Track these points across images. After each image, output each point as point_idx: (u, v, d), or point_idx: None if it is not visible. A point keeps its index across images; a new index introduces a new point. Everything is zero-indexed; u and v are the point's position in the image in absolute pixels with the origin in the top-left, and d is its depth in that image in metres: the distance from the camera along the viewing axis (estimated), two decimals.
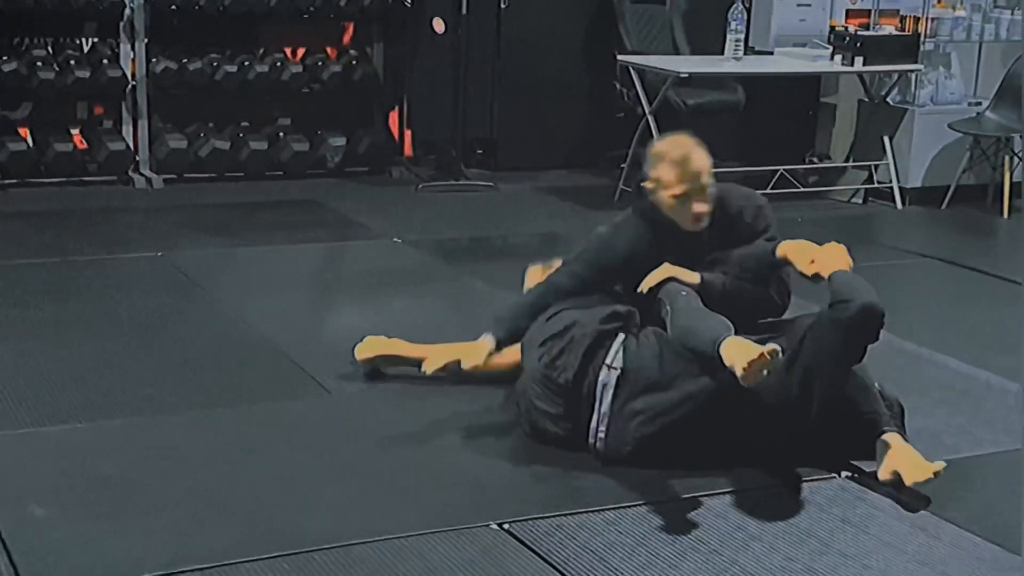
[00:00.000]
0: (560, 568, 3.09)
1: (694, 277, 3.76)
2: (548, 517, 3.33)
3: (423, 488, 3.49)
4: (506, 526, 3.27)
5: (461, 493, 3.48)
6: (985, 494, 3.61)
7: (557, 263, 4.03)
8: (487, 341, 3.83)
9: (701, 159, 3.79)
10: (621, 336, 3.70)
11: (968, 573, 3.18)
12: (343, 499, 3.40)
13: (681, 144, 3.83)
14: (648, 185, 3.84)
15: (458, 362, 3.85)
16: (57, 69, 6.97)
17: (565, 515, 3.35)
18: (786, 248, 3.68)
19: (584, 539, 3.23)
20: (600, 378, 3.65)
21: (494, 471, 3.64)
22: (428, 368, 3.91)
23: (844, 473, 3.67)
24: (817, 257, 3.60)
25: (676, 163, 3.76)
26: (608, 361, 3.65)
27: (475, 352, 3.83)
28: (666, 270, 3.77)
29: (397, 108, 7.92)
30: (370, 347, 4.26)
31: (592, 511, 3.38)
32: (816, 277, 3.58)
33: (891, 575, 3.15)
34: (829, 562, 3.18)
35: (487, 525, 3.27)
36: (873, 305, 3.45)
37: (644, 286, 3.76)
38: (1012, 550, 3.22)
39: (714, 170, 3.77)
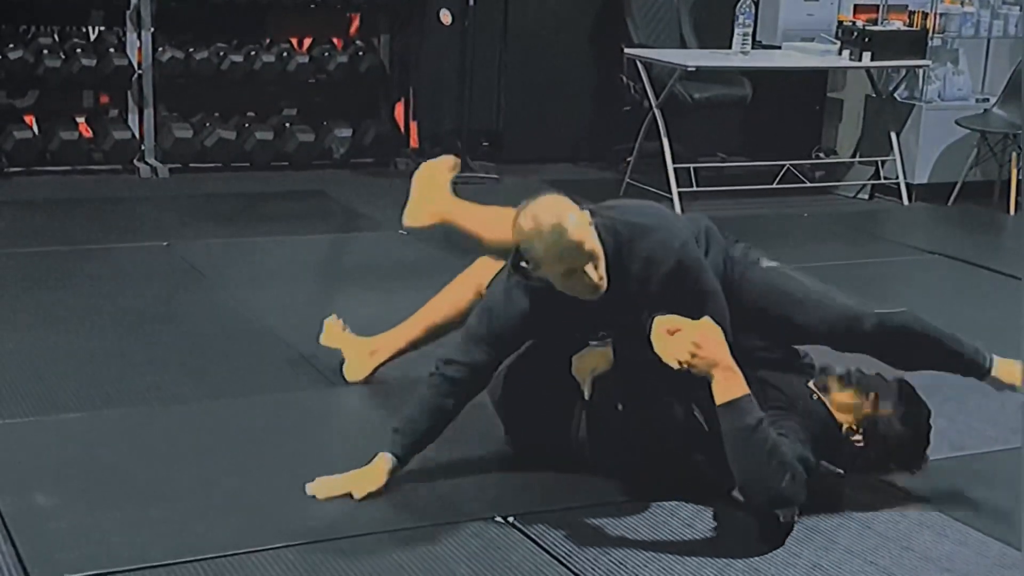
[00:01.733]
0: (564, 561, 3.08)
1: (607, 356, 3.50)
2: (553, 511, 3.33)
3: (428, 480, 3.48)
4: (511, 519, 3.27)
5: (466, 486, 3.48)
6: (991, 491, 3.60)
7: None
8: (385, 460, 3.35)
9: (578, 227, 3.17)
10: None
11: (973, 570, 3.18)
12: None
13: (552, 213, 3.17)
14: (526, 266, 3.28)
15: (350, 494, 3.31)
16: (63, 57, 6.96)
17: (570, 508, 3.35)
18: (653, 333, 3.25)
19: (588, 532, 3.23)
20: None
21: (499, 464, 3.63)
22: (318, 494, 3.32)
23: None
24: (678, 353, 3.17)
25: (552, 243, 3.15)
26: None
27: (371, 477, 3.34)
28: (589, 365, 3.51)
29: (403, 99, 7.91)
30: (328, 337, 4.22)
31: (597, 505, 3.38)
32: (690, 369, 3.19)
33: (896, 572, 3.15)
34: (834, 558, 3.18)
35: (492, 518, 3.27)
36: (781, 501, 3.16)
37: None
38: (1017, 547, 3.21)
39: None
